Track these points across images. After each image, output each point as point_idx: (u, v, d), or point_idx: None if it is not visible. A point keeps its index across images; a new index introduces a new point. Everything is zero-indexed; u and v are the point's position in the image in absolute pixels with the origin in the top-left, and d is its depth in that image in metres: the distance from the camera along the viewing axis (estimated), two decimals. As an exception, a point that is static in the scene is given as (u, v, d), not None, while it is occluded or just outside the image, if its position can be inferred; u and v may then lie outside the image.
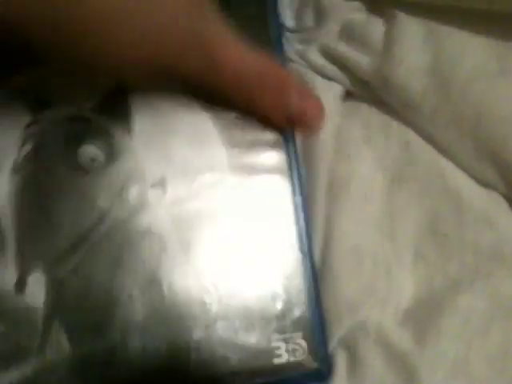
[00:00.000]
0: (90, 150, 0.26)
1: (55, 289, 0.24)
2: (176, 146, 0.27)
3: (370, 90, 0.31)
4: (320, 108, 0.26)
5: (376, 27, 0.30)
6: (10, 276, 0.24)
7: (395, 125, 0.31)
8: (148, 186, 0.26)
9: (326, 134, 0.30)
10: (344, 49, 0.31)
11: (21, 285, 0.24)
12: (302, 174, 0.28)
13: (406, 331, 0.27)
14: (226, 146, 0.27)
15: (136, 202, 0.26)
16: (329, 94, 0.31)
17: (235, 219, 0.26)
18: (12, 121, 0.25)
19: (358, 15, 0.31)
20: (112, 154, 0.26)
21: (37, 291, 0.24)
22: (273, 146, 0.27)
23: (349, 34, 0.31)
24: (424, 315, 0.27)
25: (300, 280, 0.26)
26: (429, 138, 0.30)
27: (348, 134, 0.31)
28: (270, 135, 0.27)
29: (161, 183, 0.26)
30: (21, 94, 0.26)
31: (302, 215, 0.27)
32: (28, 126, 0.25)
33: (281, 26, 0.31)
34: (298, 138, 0.29)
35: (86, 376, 0.23)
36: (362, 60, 0.30)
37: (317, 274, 0.27)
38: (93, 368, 0.24)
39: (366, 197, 0.29)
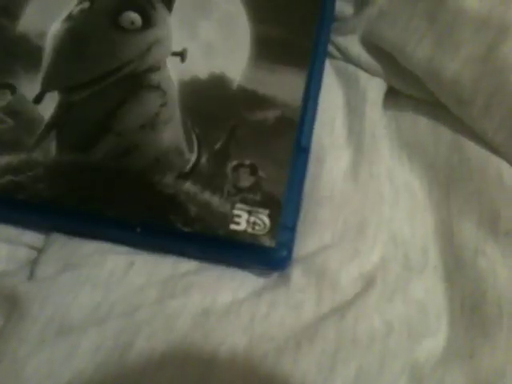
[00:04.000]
0: (132, 15, 0.31)
1: (63, 108, 0.29)
2: (206, 28, 0.31)
3: (416, 85, 0.31)
4: None
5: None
6: (35, 89, 0.29)
7: (444, 123, 0.30)
8: (169, 53, 0.30)
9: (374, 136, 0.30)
10: (389, 36, 0.30)
11: (39, 97, 0.29)
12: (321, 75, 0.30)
13: None
14: (254, 35, 0.30)
15: (154, 62, 0.30)
16: (373, 90, 0.31)
17: (240, 100, 0.29)
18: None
19: None
20: (149, 22, 0.31)
21: (49, 105, 0.28)
22: (301, 45, 0.30)
23: (392, 19, 0.30)
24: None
25: (286, 170, 0.27)
26: (482, 136, 0.29)
27: (394, 135, 0.31)
28: (301, 35, 0.30)
29: (182, 53, 0.30)
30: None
31: (310, 112, 0.29)
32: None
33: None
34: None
35: (57, 178, 0.27)
36: (408, 50, 0.29)
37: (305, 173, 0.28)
38: (69, 178, 0.27)
39: (419, 201, 0.29)
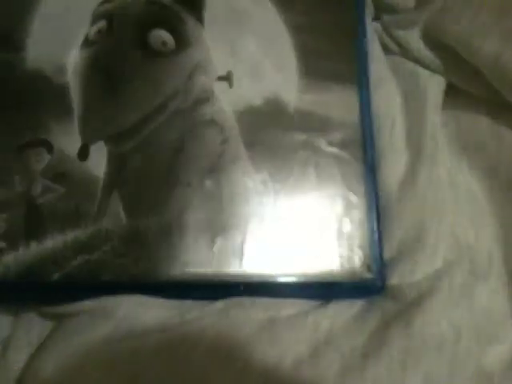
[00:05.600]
0: (162, 34, 0.27)
1: (117, 162, 0.25)
2: (246, 43, 0.28)
3: (479, 82, 0.30)
4: None
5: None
6: (75, 142, 0.25)
7: (507, 124, 0.30)
8: (214, 78, 0.27)
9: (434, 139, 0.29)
10: (453, 31, 0.29)
11: (83, 153, 0.25)
12: (369, 85, 0.29)
13: None
14: (297, 49, 0.28)
15: (201, 92, 0.27)
16: (433, 89, 0.30)
17: (301, 123, 0.28)
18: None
19: None
20: (183, 41, 0.27)
21: (98, 161, 0.25)
22: (344, 55, 0.28)
23: (457, 13, 0.29)
24: None
25: (362, 191, 0.27)
26: None
27: (453, 135, 0.30)
28: (342, 44, 0.28)
29: (228, 77, 0.27)
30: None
31: (368, 126, 0.28)
32: (102, 3, 0.27)
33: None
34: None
35: (137, 248, 0.24)
36: (475, 45, 0.28)
37: (377, 186, 0.28)
38: (145, 241, 0.25)
39: (481, 205, 0.30)
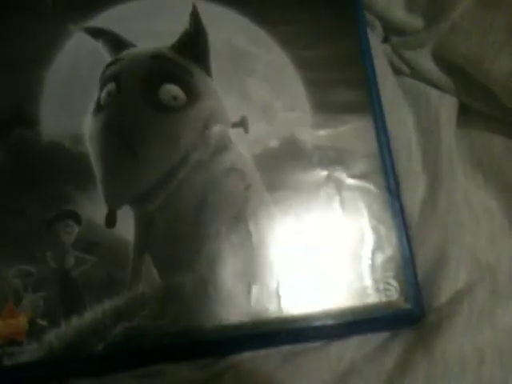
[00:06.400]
0: (172, 89, 0.27)
1: (144, 223, 0.25)
2: (255, 86, 0.28)
3: (491, 101, 0.30)
4: None
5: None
6: (101, 210, 0.25)
7: None
8: (229, 126, 0.28)
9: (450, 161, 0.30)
10: (463, 50, 0.29)
11: (111, 219, 0.25)
12: (383, 111, 0.29)
13: None
14: (306, 84, 0.28)
15: (218, 141, 0.27)
16: (446, 110, 0.30)
17: (320, 159, 0.28)
18: (93, 62, 0.27)
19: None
20: (193, 93, 0.27)
21: (126, 225, 0.25)
22: (354, 84, 0.29)
23: (467, 32, 0.29)
24: None
25: (389, 220, 0.27)
26: None
27: (467, 154, 0.31)
28: (350, 73, 0.29)
29: (242, 122, 0.28)
30: (100, 35, 0.28)
31: (387, 154, 0.28)
32: (109, 65, 0.27)
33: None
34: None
35: (175, 308, 0.24)
36: (485, 64, 0.29)
37: (405, 215, 0.28)
38: (181, 300, 0.25)
39: (499, 223, 0.30)
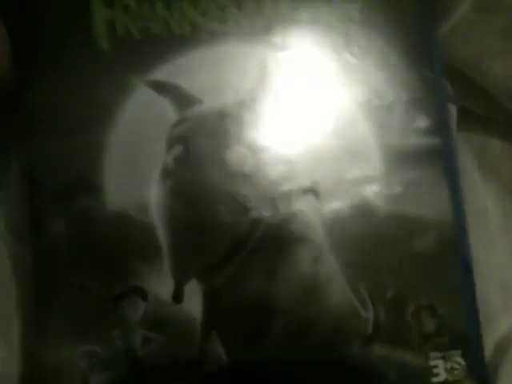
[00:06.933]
0: (240, 150, 0.26)
1: (212, 299, 0.25)
2: (327, 150, 0.27)
3: (490, 104, 0.30)
4: None
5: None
6: (167, 286, 0.24)
7: None
8: (300, 191, 0.26)
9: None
10: (462, 54, 0.29)
11: (178, 295, 0.24)
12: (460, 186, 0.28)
13: None
14: (383, 157, 0.27)
15: (288, 208, 0.26)
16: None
17: (389, 229, 0.26)
18: (158, 121, 0.25)
19: None
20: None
21: (193, 301, 0.24)
22: (432, 159, 0.27)
23: (465, 36, 0.29)
24: None
25: (458, 296, 0.26)
26: None
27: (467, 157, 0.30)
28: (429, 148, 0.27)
29: (313, 188, 0.26)
30: (166, 90, 0.26)
31: (460, 227, 0.27)
32: (175, 125, 0.26)
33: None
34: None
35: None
36: (483, 67, 0.29)
37: (475, 290, 0.27)
38: (248, 381, 0.24)
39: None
